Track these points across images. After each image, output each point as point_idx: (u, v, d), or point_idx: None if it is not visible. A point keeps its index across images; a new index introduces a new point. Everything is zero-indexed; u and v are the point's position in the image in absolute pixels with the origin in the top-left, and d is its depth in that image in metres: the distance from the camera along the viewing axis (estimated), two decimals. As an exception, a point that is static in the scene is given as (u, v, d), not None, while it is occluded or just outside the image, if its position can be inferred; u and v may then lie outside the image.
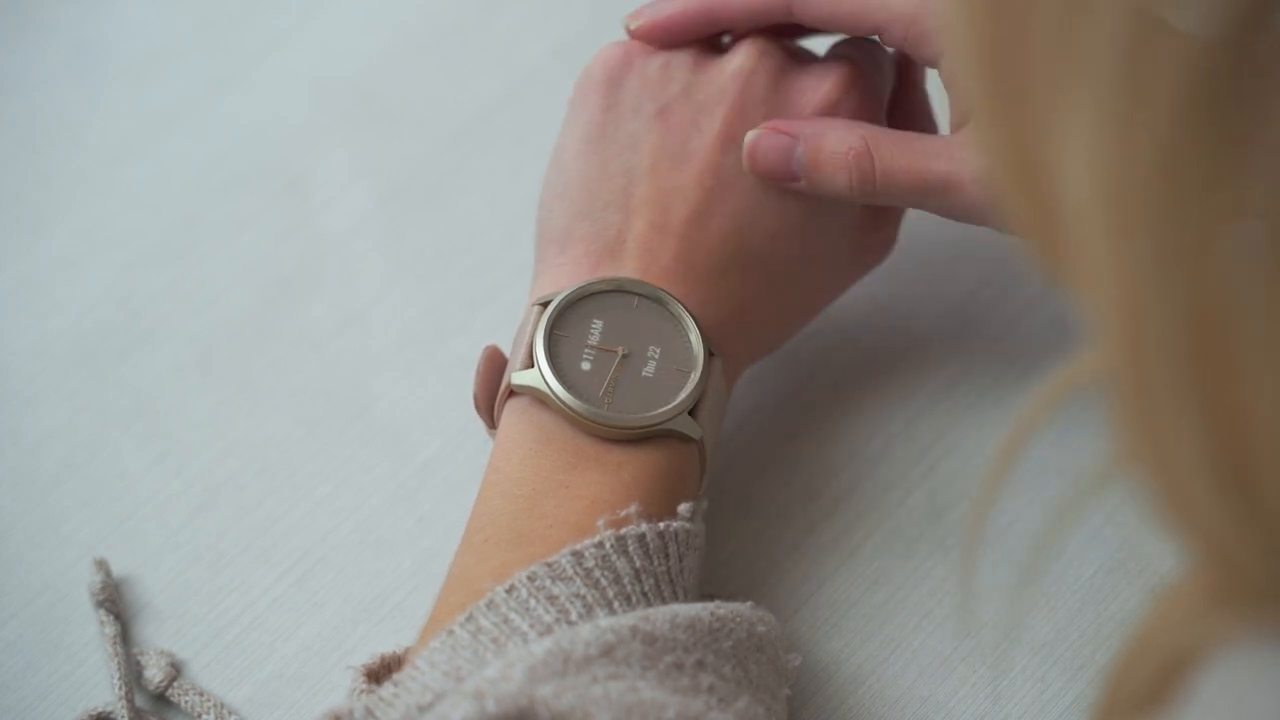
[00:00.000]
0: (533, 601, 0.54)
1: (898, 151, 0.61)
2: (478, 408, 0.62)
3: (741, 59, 0.64)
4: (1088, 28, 0.32)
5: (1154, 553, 0.64)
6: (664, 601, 0.56)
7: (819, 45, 0.67)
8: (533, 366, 0.59)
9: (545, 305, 0.60)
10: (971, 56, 0.36)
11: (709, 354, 0.61)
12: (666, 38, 0.64)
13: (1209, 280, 0.32)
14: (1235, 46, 0.30)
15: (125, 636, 0.64)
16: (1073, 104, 0.33)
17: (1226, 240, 0.32)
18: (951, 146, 0.61)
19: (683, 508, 0.58)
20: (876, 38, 0.64)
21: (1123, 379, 0.35)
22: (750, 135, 0.62)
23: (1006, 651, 0.63)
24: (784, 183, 0.62)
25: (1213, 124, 0.31)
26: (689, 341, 0.61)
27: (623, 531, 0.56)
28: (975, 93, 0.36)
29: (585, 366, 0.60)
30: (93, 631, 0.64)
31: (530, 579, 0.55)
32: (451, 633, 0.54)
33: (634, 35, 0.65)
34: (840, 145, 0.61)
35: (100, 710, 0.62)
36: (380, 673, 0.59)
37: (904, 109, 0.68)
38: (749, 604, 0.58)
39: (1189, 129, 0.31)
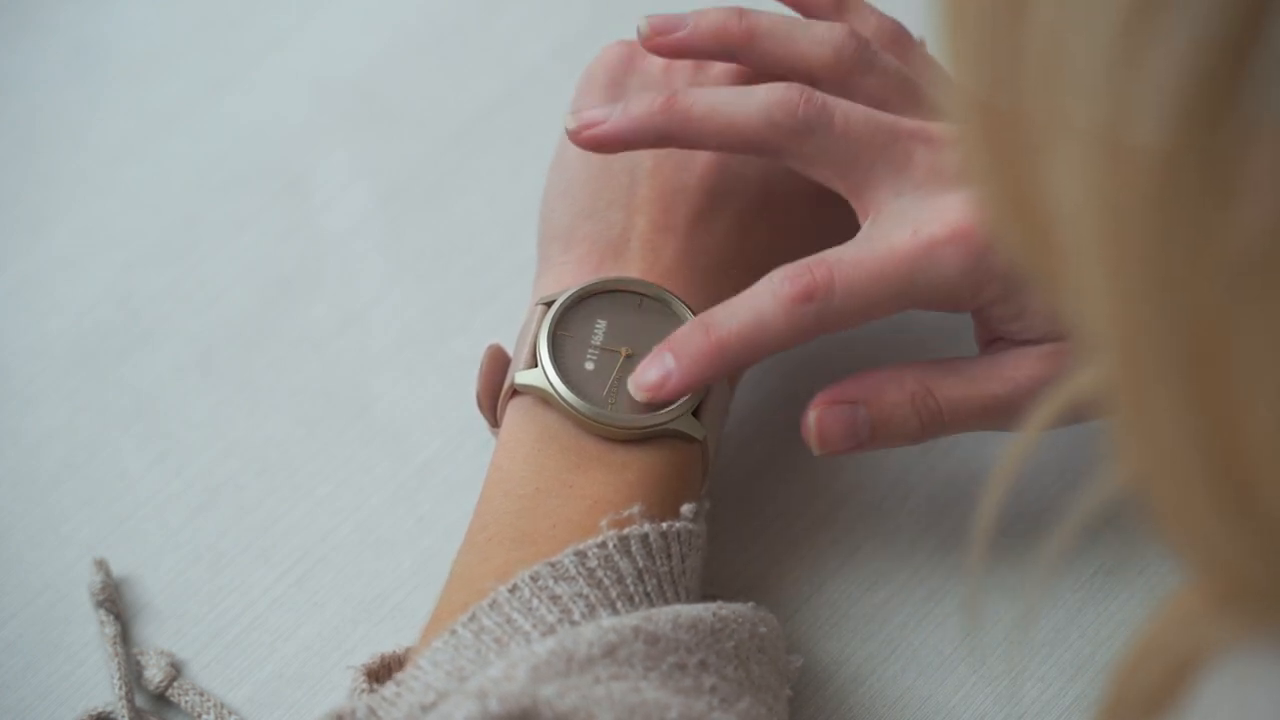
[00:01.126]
0: (535, 601, 0.54)
1: (953, 383, 0.59)
2: (480, 407, 0.62)
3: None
4: (1078, 46, 0.33)
5: (1155, 554, 0.64)
6: (666, 602, 0.56)
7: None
8: (536, 366, 0.59)
9: (549, 304, 0.60)
10: (964, 78, 0.36)
11: (712, 354, 0.61)
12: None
13: (1204, 293, 0.33)
14: (1229, 63, 0.31)
15: (125, 636, 0.64)
16: (1066, 119, 0.33)
17: (1221, 254, 0.32)
18: (998, 366, 0.60)
19: (685, 508, 0.58)
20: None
21: (1121, 392, 0.35)
22: (811, 417, 0.59)
23: (1008, 652, 0.63)
24: (853, 452, 0.60)
25: (1207, 138, 0.31)
26: (691, 341, 0.61)
27: (626, 531, 0.56)
28: (970, 115, 0.36)
29: (589, 366, 0.60)
30: (93, 631, 0.64)
31: (533, 579, 0.55)
32: (454, 632, 0.54)
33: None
34: (900, 394, 0.59)
35: (100, 710, 0.62)
36: (381, 672, 0.59)
37: None
38: (751, 605, 0.58)
39: (1183, 143, 0.32)
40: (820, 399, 0.59)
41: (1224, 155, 0.31)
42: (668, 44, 0.63)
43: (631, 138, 0.60)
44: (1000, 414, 0.60)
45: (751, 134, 0.60)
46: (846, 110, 0.60)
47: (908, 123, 0.60)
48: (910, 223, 0.58)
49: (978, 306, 0.59)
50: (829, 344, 0.70)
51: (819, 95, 0.60)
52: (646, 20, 0.63)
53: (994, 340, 0.61)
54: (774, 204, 0.64)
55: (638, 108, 0.60)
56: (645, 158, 0.63)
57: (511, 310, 0.70)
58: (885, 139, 0.60)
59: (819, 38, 0.62)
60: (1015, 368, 0.59)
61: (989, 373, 0.60)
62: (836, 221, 0.64)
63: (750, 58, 0.62)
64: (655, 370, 0.58)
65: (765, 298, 0.58)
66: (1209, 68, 0.30)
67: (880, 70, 0.62)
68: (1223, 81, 0.30)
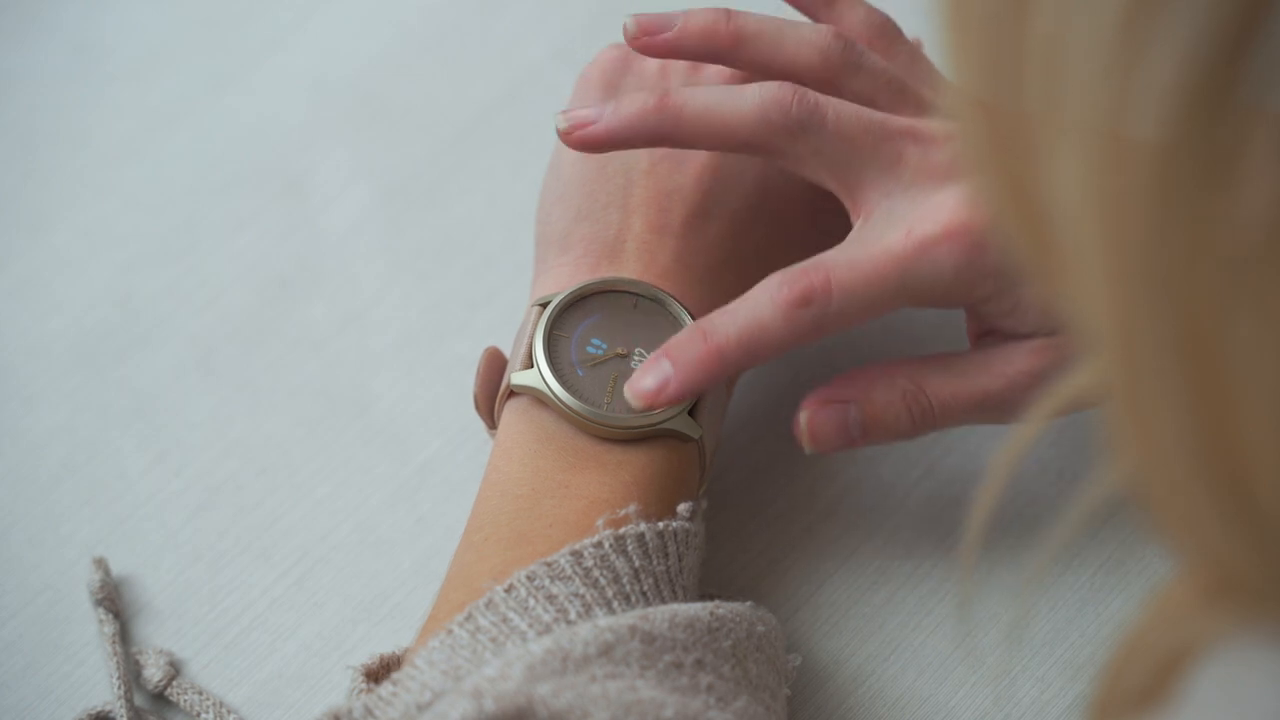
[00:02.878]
0: (531, 601, 0.54)
1: (945, 381, 0.60)
2: (478, 408, 0.62)
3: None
4: (1079, 42, 0.33)
5: (1153, 553, 0.64)
6: (663, 601, 0.56)
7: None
8: (532, 367, 0.60)
9: (545, 306, 0.61)
10: (964, 75, 0.36)
11: (709, 354, 0.61)
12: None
13: (1201, 288, 0.33)
14: (1227, 57, 0.31)
15: (124, 635, 0.64)
16: (1064, 117, 0.33)
17: (1218, 249, 0.32)
18: (989, 361, 0.60)
19: (682, 507, 0.58)
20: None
21: (1117, 390, 0.35)
22: (803, 417, 0.59)
23: (1007, 652, 0.63)
24: (846, 449, 0.61)
25: (1206, 131, 0.31)
26: (688, 341, 0.61)
27: (622, 531, 0.56)
28: (970, 112, 0.36)
29: (585, 367, 0.60)
30: (92, 631, 0.64)
31: (529, 578, 0.55)
32: (450, 632, 0.54)
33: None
34: (891, 393, 0.59)
35: (99, 709, 0.62)
36: (380, 673, 0.59)
37: None
38: (749, 604, 0.58)
39: (1182, 136, 0.32)
40: (811, 399, 0.60)
41: (1222, 148, 0.31)
42: (655, 44, 0.62)
43: (623, 137, 0.60)
44: (993, 409, 0.60)
45: (745, 133, 0.60)
46: (838, 108, 0.60)
47: (898, 120, 0.60)
48: (904, 222, 0.58)
49: (972, 302, 0.59)
50: (829, 343, 0.70)
51: (811, 94, 0.60)
52: (634, 19, 0.62)
53: (986, 333, 0.61)
54: (769, 204, 0.64)
55: (629, 107, 0.60)
56: (641, 159, 0.63)
57: (511, 310, 0.70)
58: (876, 138, 0.59)
59: (806, 39, 0.62)
60: (1007, 362, 0.60)
61: (981, 368, 0.60)
62: (831, 222, 0.64)
63: (737, 60, 0.62)
64: (653, 377, 0.58)
65: (763, 303, 0.58)
66: (1208, 62, 0.31)
67: (868, 71, 0.62)
68: (1221, 75, 0.31)
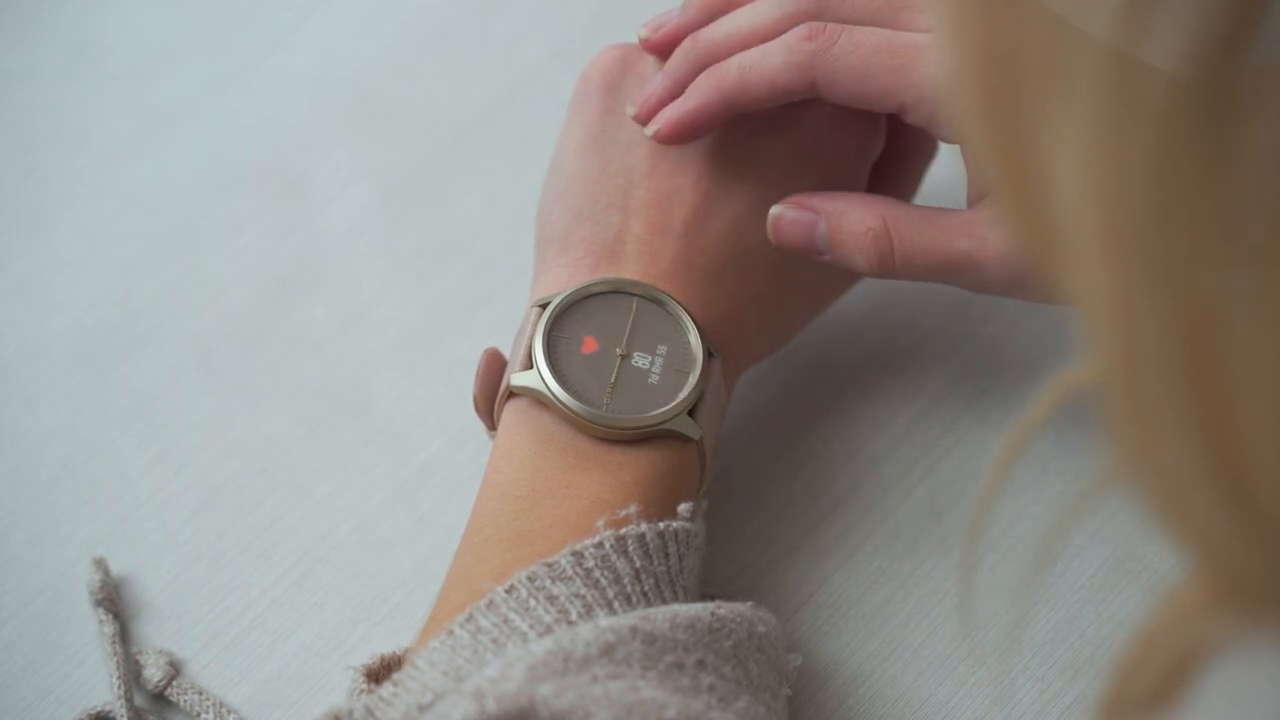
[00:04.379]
0: (532, 601, 0.54)
1: (917, 231, 0.60)
2: (477, 409, 0.62)
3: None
4: (1074, 49, 0.33)
5: (1154, 552, 0.64)
6: (664, 601, 0.56)
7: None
8: (532, 368, 0.60)
9: (544, 307, 0.61)
10: (967, 83, 0.36)
11: (708, 354, 0.61)
12: (690, 135, 0.63)
13: (1200, 287, 0.33)
14: (1221, 57, 0.31)
15: (124, 635, 0.64)
16: (1065, 116, 0.33)
17: (1216, 247, 0.32)
18: (972, 224, 0.60)
19: (682, 507, 0.58)
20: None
21: (1117, 386, 0.35)
22: (774, 210, 0.62)
23: (1007, 652, 0.63)
24: (809, 257, 0.62)
25: (1201, 133, 0.31)
26: (688, 342, 0.61)
27: (622, 531, 0.56)
28: (971, 106, 0.36)
29: (584, 367, 0.60)
30: (92, 631, 0.64)
31: (530, 579, 0.55)
32: (451, 632, 0.54)
33: (655, 138, 0.63)
34: (860, 225, 0.61)
35: (99, 709, 0.62)
36: (380, 673, 0.59)
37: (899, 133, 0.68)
38: (749, 604, 0.58)
39: (1178, 138, 0.32)
40: (792, 199, 0.62)
41: (1217, 149, 0.31)
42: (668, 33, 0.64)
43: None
44: (959, 270, 0.60)
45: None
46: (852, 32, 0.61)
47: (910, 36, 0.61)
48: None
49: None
50: (829, 345, 0.70)
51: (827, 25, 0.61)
52: (643, 26, 0.65)
53: (983, 198, 0.61)
54: (770, 203, 0.64)
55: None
56: (641, 160, 0.63)
57: (511, 310, 0.70)
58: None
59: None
60: (992, 229, 0.60)
61: (962, 228, 0.60)
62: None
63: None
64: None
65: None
66: (1197, 78, 0.31)
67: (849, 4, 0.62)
68: (1236, 26, 0.31)
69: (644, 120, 0.63)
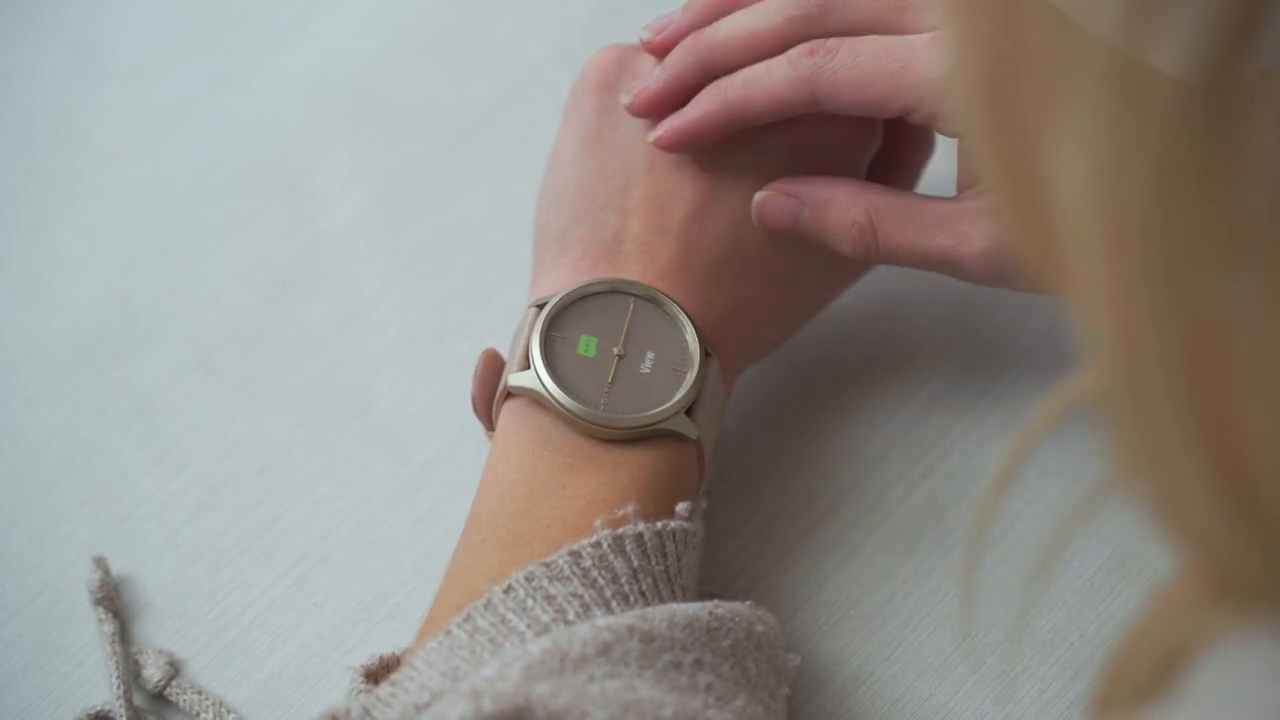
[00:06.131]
0: (530, 601, 0.55)
1: (899, 225, 0.61)
2: (476, 410, 0.62)
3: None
4: (1078, 50, 0.33)
5: (1154, 552, 0.64)
6: (662, 601, 0.56)
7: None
8: (529, 368, 0.60)
9: (542, 307, 0.61)
10: (968, 85, 0.36)
11: (705, 354, 0.61)
12: (692, 145, 0.63)
13: (1202, 290, 0.33)
14: (1224, 61, 0.31)
15: (124, 635, 0.64)
16: (1067, 118, 0.33)
17: (1219, 250, 0.32)
18: (957, 217, 0.60)
19: (680, 507, 0.58)
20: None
21: (1118, 390, 0.35)
22: (759, 195, 0.62)
23: (1007, 652, 0.63)
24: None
25: (1204, 136, 0.31)
26: (685, 342, 0.61)
27: (620, 531, 0.56)
28: (973, 104, 0.36)
29: (582, 368, 0.60)
30: (92, 631, 0.64)
31: (528, 579, 0.55)
32: (449, 633, 0.54)
33: (656, 144, 0.63)
34: (844, 217, 0.61)
35: (99, 709, 0.62)
36: (379, 673, 0.59)
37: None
38: (748, 603, 0.58)
39: (1181, 142, 0.32)
40: (777, 184, 0.62)
41: (1219, 153, 0.31)
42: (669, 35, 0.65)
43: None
44: (941, 264, 0.61)
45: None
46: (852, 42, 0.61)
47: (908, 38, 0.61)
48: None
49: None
50: (829, 345, 0.70)
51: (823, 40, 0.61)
52: (645, 29, 0.65)
53: (972, 186, 0.61)
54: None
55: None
56: (638, 159, 0.63)
57: (511, 310, 0.70)
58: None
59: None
60: (975, 224, 0.60)
61: (945, 222, 0.60)
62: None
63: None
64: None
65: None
66: (1199, 83, 0.31)
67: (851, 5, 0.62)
68: (1240, 29, 0.31)
69: (638, 111, 0.63)
